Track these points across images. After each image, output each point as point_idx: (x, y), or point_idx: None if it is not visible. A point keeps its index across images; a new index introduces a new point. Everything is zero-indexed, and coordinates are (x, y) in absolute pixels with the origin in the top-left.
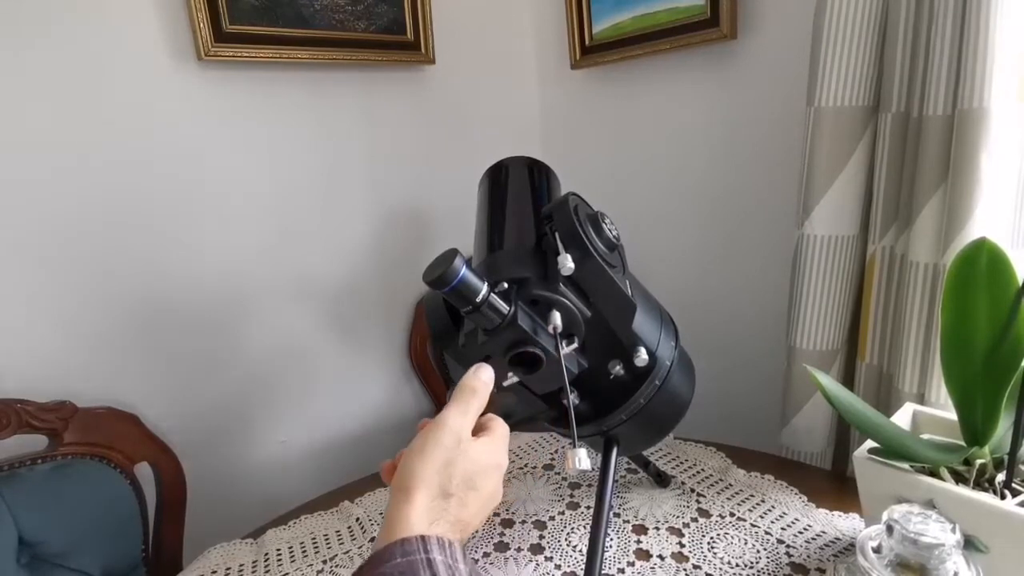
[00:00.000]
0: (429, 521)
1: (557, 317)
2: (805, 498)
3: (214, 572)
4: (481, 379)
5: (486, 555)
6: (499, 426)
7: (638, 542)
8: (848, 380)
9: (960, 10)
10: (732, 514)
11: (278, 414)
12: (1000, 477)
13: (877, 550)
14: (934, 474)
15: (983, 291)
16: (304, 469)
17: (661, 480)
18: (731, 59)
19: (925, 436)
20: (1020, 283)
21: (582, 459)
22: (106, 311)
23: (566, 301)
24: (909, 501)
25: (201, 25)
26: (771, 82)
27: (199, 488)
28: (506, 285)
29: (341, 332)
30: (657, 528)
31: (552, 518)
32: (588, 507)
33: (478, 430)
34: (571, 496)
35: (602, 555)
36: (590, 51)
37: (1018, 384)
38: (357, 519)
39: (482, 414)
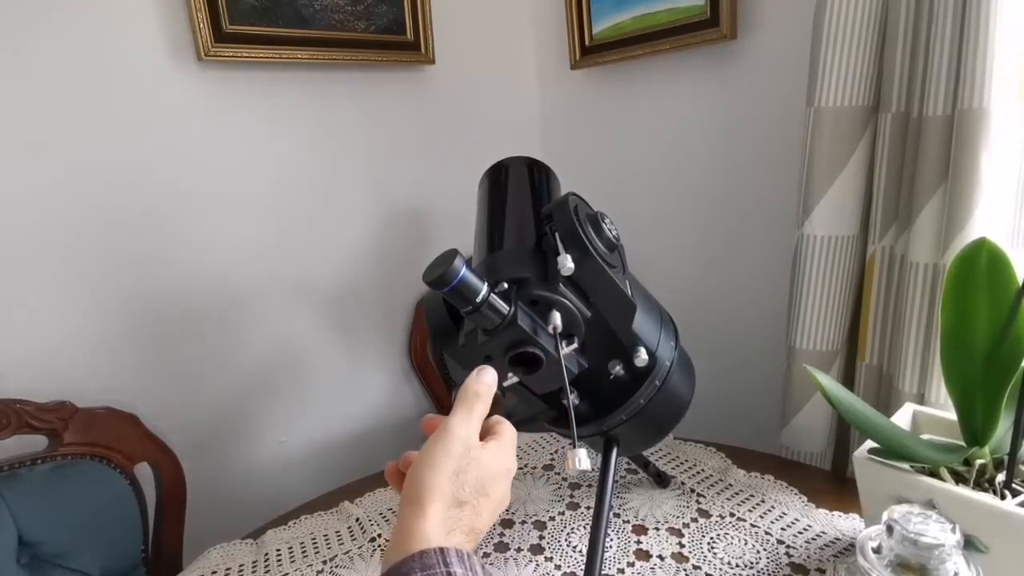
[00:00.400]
0: (445, 532)
1: (557, 317)
2: (805, 498)
3: (214, 572)
4: (484, 382)
5: (486, 555)
6: (506, 429)
7: (638, 542)
8: (848, 380)
9: (960, 10)
10: (732, 514)
11: (278, 414)
12: (1000, 477)
13: (877, 550)
14: (934, 474)
15: (983, 291)
16: (304, 469)
17: (661, 480)
18: (731, 59)
19: (925, 436)
20: (1020, 283)
21: (582, 459)
22: (106, 311)
23: (566, 301)
24: (909, 501)
25: (201, 25)
26: (771, 82)
27: (199, 488)
28: (506, 285)
29: (341, 332)
30: (657, 528)
31: (552, 518)
32: (588, 507)
33: (484, 433)
34: (571, 496)
35: (602, 555)
36: (590, 51)
37: (1018, 384)
38: (357, 519)
39: (487, 415)
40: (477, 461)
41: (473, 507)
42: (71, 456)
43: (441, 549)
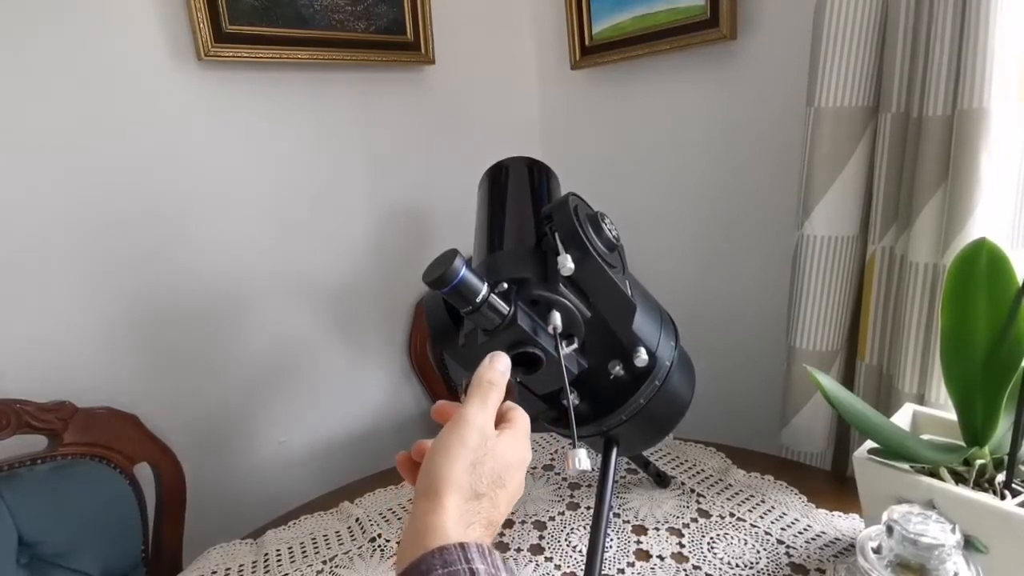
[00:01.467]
0: (464, 526)
1: (557, 317)
2: (805, 498)
3: (214, 572)
4: (498, 369)
5: None
6: (520, 417)
7: (638, 542)
8: (848, 380)
9: (960, 10)
10: (732, 514)
11: (278, 414)
12: (1000, 477)
13: (877, 550)
14: (934, 474)
15: (983, 291)
16: (304, 469)
17: (661, 480)
18: (731, 59)
19: (925, 436)
20: (1020, 283)
21: (582, 459)
22: (106, 311)
23: (566, 301)
24: (909, 501)
25: (201, 25)
26: (771, 82)
27: (199, 488)
28: (506, 285)
29: (341, 332)
30: (657, 528)
31: (552, 518)
32: (588, 507)
33: (499, 421)
34: (571, 496)
35: (602, 555)
36: (590, 51)
37: (1018, 384)
38: (357, 519)
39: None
40: (493, 452)
41: (491, 499)
42: (71, 456)
43: (461, 544)
